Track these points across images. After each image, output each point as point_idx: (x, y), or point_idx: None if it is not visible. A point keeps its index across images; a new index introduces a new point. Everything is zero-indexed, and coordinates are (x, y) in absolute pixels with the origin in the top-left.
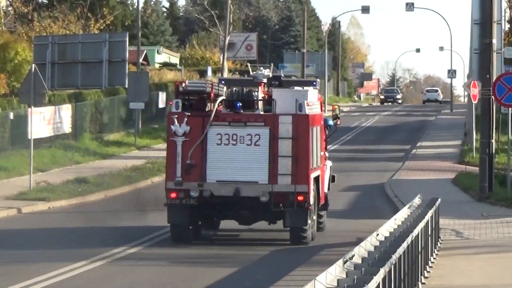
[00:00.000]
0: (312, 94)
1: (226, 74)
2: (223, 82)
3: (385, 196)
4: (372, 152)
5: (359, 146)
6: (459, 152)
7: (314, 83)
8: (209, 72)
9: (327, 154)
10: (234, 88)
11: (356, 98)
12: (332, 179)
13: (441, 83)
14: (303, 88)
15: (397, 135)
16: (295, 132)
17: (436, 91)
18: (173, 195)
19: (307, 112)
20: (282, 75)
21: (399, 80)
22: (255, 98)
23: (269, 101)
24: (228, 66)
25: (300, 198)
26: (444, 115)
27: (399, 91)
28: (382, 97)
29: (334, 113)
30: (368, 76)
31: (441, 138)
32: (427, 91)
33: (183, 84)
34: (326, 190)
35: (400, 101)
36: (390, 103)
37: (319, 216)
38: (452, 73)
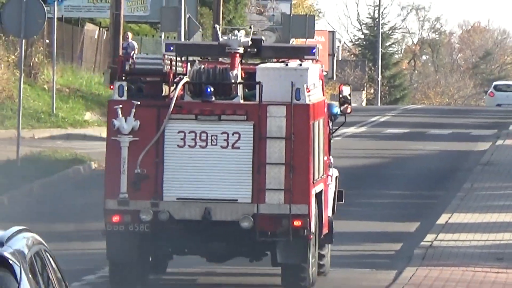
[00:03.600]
0: (313, 71)
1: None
2: (171, 48)
3: None
4: None
5: None
6: None
7: (313, 51)
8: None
9: (332, 160)
10: (201, 66)
11: None
12: (339, 196)
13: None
14: (300, 61)
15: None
16: (291, 129)
17: None
18: (115, 218)
19: (307, 101)
20: (264, 39)
21: (392, 30)
22: (233, 80)
23: (252, 85)
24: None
25: (297, 223)
26: None
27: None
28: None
29: (341, 96)
30: (299, 21)
31: None
32: (497, 87)
33: (130, 60)
34: (330, 213)
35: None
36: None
37: (321, 251)
38: None
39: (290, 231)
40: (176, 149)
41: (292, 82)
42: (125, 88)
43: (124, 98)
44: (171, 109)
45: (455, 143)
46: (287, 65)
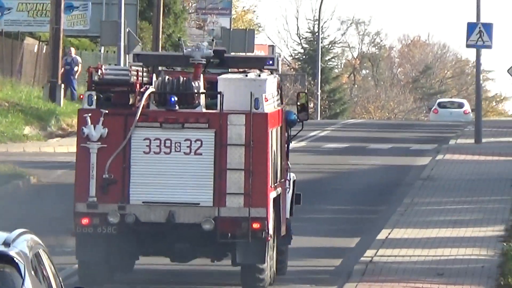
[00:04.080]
0: (271, 82)
1: None
2: (137, 58)
3: None
4: None
5: None
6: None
7: (270, 62)
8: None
9: (289, 164)
10: (166, 77)
11: None
12: (297, 199)
13: (443, 62)
14: (259, 71)
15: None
16: (250, 137)
17: (461, 105)
18: (84, 221)
19: (265, 110)
20: (224, 49)
21: (332, 44)
22: (196, 90)
23: (214, 94)
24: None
25: (256, 225)
26: (457, 152)
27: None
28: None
29: (299, 104)
30: (239, 36)
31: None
32: (441, 104)
33: (99, 71)
34: (288, 215)
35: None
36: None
37: (280, 253)
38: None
39: (249, 233)
40: (142, 155)
41: (251, 92)
42: (94, 98)
43: (93, 107)
44: (137, 117)
45: (395, 158)
46: (246, 75)
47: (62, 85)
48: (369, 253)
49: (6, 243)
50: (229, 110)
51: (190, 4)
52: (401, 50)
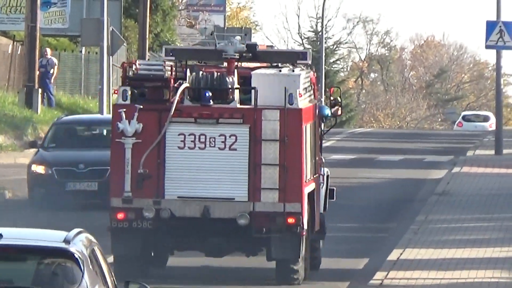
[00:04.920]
0: (305, 76)
1: None
2: (170, 54)
3: None
4: None
5: None
6: None
7: (305, 56)
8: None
9: (323, 159)
10: (200, 72)
11: None
12: (330, 194)
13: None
14: (292, 66)
15: None
16: (284, 132)
17: (486, 118)
18: (120, 216)
19: (299, 106)
20: (256, 43)
21: (337, 44)
22: (230, 86)
23: (248, 90)
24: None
25: (290, 220)
26: (476, 164)
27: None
28: None
29: (332, 98)
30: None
31: None
32: (466, 118)
33: (133, 66)
34: (322, 210)
35: None
36: None
37: (314, 248)
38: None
39: (284, 228)
40: (177, 150)
41: (285, 88)
42: (129, 93)
43: (128, 102)
44: (172, 113)
45: (407, 171)
46: (280, 71)
47: (40, 90)
48: (379, 275)
49: (67, 241)
50: (264, 105)
51: (180, 1)
52: (414, 52)
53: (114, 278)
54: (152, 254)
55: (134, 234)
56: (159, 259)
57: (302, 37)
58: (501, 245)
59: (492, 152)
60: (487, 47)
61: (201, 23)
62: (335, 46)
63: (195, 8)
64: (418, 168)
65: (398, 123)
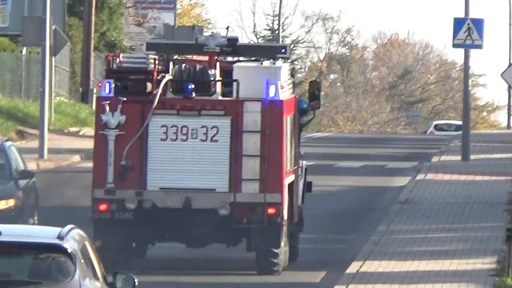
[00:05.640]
0: (286, 70)
1: None
2: (151, 47)
3: None
4: None
5: None
6: None
7: (283, 50)
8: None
9: (301, 152)
10: (183, 65)
11: None
12: (308, 187)
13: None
14: (272, 60)
15: None
16: (265, 123)
17: (459, 128)
18: (102, 207)
19: (280, 98)
20: (237, 37)
21: (295, 43)
22: (212, 78)
23: (229, 82)
24: None
25: (271, 211)
26: (441, 171)
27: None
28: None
29: (311, 91)
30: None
31: None
32: (438, 127)
33: (117, 59)
34: (300, 202)
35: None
36: None
37: (292, 239)
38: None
39: (265, 218)
40: (159, 142)
41: (267, 80)
42: (112, 85)
43: (111, 94)
44: (155, 105)
45: (368, 178)
46: (261, 63)
47: None
48: None
49: (60, 237)
50: (245, 97)
51: None
52: (376, 51)
53: (103, 270)
54: (134, 245)
55: (116, 225)
56: (140, 250)
57: (258, 36)
58: (467, 257)
59: (459, 157)
60: (455, 45)
61: (150, 21)
62: (292, 45)
63: (144, 5)
64: (379, 175)
65: (359, 127)
